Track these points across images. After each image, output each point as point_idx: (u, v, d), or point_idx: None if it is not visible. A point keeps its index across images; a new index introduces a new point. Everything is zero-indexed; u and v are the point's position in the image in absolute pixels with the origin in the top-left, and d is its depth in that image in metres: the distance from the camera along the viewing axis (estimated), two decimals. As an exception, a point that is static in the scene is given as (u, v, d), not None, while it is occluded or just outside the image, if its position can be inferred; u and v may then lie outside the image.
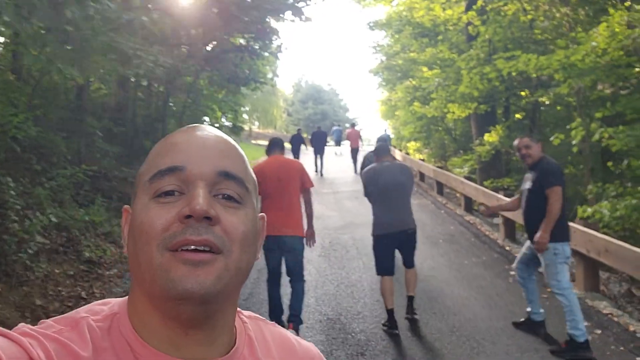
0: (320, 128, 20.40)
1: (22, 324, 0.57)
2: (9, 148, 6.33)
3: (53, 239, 6.19)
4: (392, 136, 23.87)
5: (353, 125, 21.28)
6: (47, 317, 0.61)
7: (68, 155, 8.31)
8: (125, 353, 0.58)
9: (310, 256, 5.51)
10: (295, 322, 4.19)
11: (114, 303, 0.64)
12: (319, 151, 17.10)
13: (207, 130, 0.66)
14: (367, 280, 5.86)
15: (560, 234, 3.94)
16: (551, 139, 7.10)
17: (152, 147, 0.67)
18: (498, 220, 8.18)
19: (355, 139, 19.24)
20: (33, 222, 5.51)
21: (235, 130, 17.82)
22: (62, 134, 8.92)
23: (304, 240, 4.27)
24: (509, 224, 7.78)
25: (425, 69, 16.97)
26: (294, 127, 40.49)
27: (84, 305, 0.64)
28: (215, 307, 0.60)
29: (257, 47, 14.36)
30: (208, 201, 0.58)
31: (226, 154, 0.63)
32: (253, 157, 22.85)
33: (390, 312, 4.39)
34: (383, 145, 5.05)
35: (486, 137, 10.48)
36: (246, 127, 40.10)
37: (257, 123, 43.84)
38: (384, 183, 4.51)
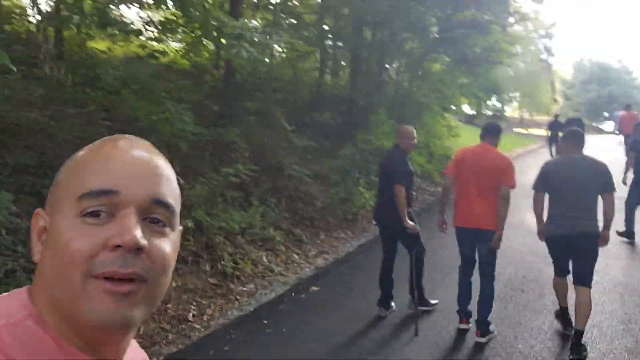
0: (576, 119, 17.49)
1: None
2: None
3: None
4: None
5: (629, 106, 17.16)
6: None
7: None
8: (54, 352, 0.57)
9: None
10: (482, 329, 3.99)
11: (11, 300, 0.60)
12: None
13: (139, 145, 0.64)
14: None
15: None
16: None
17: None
18: None
19: (628, 123, 15.61)
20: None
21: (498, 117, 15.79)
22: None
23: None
24: None
25: None
26: (574, 113, 35.66)
27: None
28: (132, 330, 0.61)
29: (488, 18, 12.44)
30: (139, 230, 0.57)
31: (160, 176, 0.62)
32: (507, 148, 20.54)
33: (563, 310, 4.19)
34: (576, 132, 4.17)
35: None
36: (515, 114, 37.04)
37: (524, 109, 39.75)
38: (562, 179, 3.97)
